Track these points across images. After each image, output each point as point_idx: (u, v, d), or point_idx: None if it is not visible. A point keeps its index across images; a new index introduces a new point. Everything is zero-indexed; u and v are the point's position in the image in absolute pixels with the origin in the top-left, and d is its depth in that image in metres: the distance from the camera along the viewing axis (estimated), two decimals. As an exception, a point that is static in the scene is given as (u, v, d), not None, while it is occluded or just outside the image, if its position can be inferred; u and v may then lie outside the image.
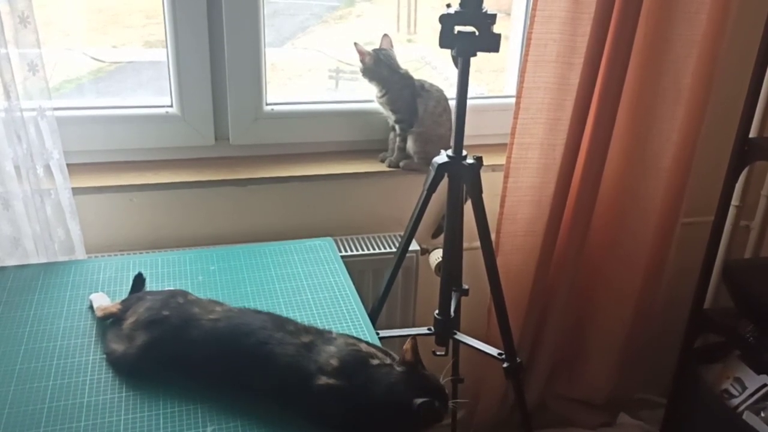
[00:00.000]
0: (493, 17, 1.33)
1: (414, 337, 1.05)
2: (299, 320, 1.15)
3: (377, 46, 1.69)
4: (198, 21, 1.57)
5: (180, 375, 1.09)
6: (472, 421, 2.04)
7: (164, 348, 1.10)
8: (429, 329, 1.63)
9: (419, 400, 0.96)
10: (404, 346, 1.04)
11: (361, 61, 1.68)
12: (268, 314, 1.15)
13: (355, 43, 1.68)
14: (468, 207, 1.50)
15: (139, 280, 1.32)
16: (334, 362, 1.03)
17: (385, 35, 1.70)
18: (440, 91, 1.73)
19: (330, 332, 1.12)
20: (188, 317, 1.12)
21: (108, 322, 1.20)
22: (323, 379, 1.01)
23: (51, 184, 1.44)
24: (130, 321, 1.15)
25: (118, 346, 1.13)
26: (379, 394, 1.00)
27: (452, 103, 1.59)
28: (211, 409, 1.05)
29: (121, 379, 1.10)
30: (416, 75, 1.73)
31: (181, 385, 1.08)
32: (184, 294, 1.20)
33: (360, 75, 1.71)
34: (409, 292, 1.75)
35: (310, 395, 1.01)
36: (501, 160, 1.72)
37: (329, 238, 1.56)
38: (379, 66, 1.68)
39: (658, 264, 1.88)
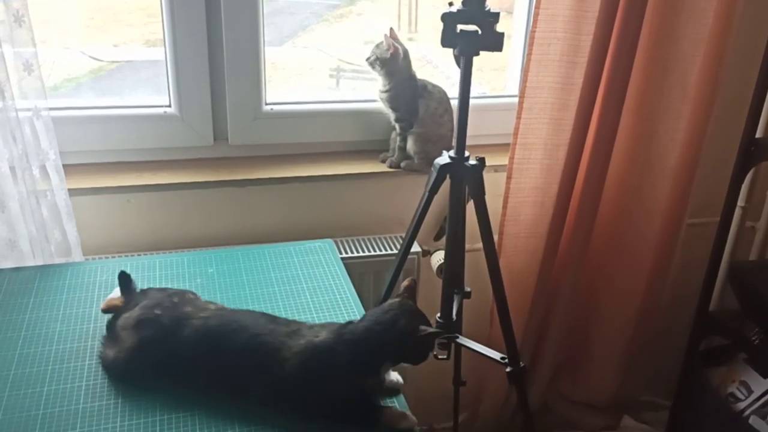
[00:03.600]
0: (496, 16, 1.31)
1: (413, 278, 1.10)
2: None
3: (381, 41, 1.66)
4: (196, 20, 1.56)
5: (172, 376, 1.07)
6: (474, 424, 2.03)
7: (153, 349, 1.08)
8: (431, 332, 1.61)
9: (426, 329, 1.01)
10: (403, 282, 1.09)
11: (391, 53, 1.64)
12: (262, 313, 1.14)
13: (391, 29, 1.65)
14: (470, 208, 1.48)
15: (124, 278, 1.25)
16: (323, 331, 1.06)
17: (391, 29, 1.67)
18: (442, 92, 1.71)
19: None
20: (179, 316, 1.10)
21: (109, 318, 1.18)
22: (314, 341, 1.04)
23: (47, 185, 1.43)
24: (122, 318, 1.13)
25: (110, 351, 1.12)
26: (373, 323, 1.04)
27: (454, 103, 1.58)
28: (208, 415, 1.03)
29: (117, 384, 1.08)
30: (418, 74, 1.71)
31: (175, 388, 1.06)
32: (181, 294, 1.17)
33: (361, 71, 1.69)
34: (410, 294, 1.73)
35: (304, 362, 1.02)
36: (503, 160, 1.70)
37: (329, 240, 1.54)
38: (401, 62, 1.66)
39: (662, 265, 1.86)
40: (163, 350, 1.08)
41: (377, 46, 1.66)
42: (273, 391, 1.03)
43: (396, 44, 1.65)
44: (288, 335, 1.06)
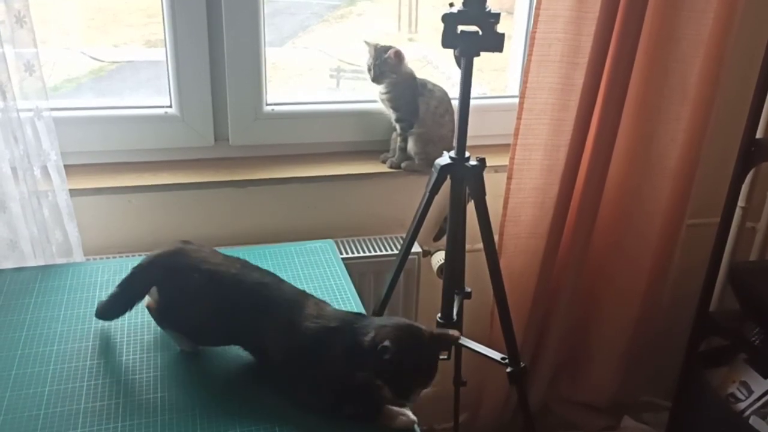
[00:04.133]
0: (497, 16, 1.31)
1: (458, 335, 1.09)
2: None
3: (374, 49, 1.66)
4: (197, 20, 1.56)
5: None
6: (475, 424, 2.03)
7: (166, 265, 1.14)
8: (431, 332, 1.61)
9: (386, 343, 0.97)
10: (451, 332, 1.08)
11: (399, 60, 1.65)
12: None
13: (364, 41, 1.66)
14: (470, 208, 1.48)
15: None
16: (342, 313, 1.10)
17: (365, 41, 1.68)
18: (443, 91, 1.71)
19: None
20: (202, 260, 1.14)
21: None
22: (336, 314, 1.08)
23: (48, 186, 1.43)
24: None
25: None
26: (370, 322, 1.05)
27: (455, 104, 1.58)
28: (210, 416, 1.03)
29: (119, 385, 1.08)
30: (418, 75, 1.71)
31: (177, 386, 1.06)
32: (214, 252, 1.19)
33: (361, 72, 1.69)
34: (410, 295, 1.74)
35: (316, 332, 1.04)
36: (504, 161, 1.70)
37: (330, 240, 1.54)
38: (402, 63, 1.67)
39: (663, 266, 1.86)
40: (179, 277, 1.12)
41: (375, 56, 1.65)
42: (286, 359, 1.05)
43: (395, 48, 1.65)
44: (316, 303, 1.09)
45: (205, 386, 1.10)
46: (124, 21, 1.80)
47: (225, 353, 1.15)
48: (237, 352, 1.14)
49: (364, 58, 1.69)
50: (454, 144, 1.44)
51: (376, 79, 1.67)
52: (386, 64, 1.65)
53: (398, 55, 1.64)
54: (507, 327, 1.54)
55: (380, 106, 1.72)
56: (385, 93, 1.69)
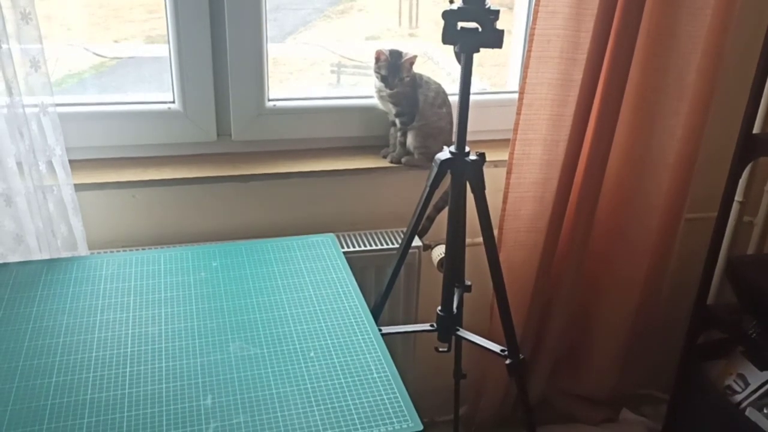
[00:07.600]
0: (497, 13, 1.32)
1: None
2: (300, 316, 1.13)
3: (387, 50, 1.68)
4: (200, 16, 1.57)
5: None
6: (475, 417, 2.05)
7: None
8: (431, 326, 1.63)
9: None
10: None
11: (412, 65, 1.67)
12: None
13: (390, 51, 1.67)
14: (470, 203, 1.49)
15: None
16: None
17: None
18: (438, 84, 1.72)
19: None
20: None
21: None
22: None
23: (53, 181, 1.44)
24: None
25: None
26: None
27: (455, 99, 1.59)
28: (214, 406, 1.05)
29: (125, 376, 1.10)
30: (418, 70, 1.72)
31: (181, 381, 1.08)
32: None
33: (362, 67, 1.70)
34: (411, 288, 1.75)
35: None
36: (503, 155, 1.71)
37: (331, 235, 1.55)
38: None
39: (661, 260, 1.88)
40: None
41: (391, 62, 1.65)
42: None
43: (411, 55, 1.66)
44: None
45: (213, 377, 1.11)
46: (125, 17, 1.81)
47: (229, 350, 1.17)
48: (241, 351, 1.16)
49: (372, 64, 1.69)
50: (454, 139, 1.46)
51: (395, 87, 1.67)
52: (402, 70, 1.66)
53: (413, 62, 1.66)
54: (506, 320, 1.56)
55: (376, 101, 1.73)
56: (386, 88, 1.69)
